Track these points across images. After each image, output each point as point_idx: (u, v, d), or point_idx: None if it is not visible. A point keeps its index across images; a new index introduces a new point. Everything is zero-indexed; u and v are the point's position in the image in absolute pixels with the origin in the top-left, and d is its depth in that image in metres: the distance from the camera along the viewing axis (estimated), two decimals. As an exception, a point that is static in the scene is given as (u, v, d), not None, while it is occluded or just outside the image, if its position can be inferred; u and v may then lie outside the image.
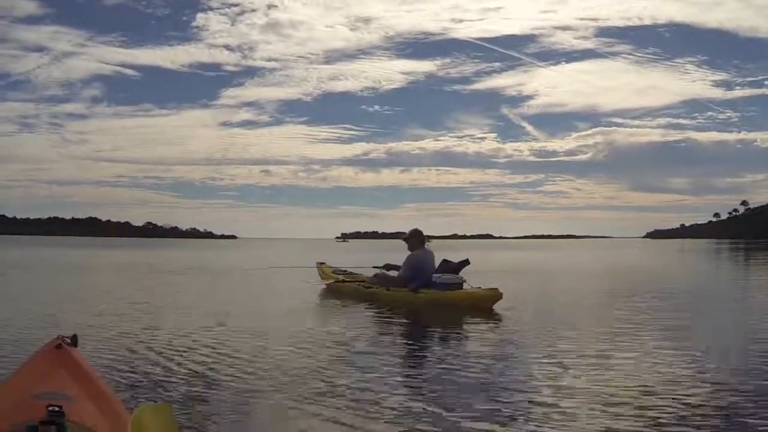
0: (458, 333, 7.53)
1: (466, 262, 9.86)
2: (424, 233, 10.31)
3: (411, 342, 7.01)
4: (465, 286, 9.53)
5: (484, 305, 9.02)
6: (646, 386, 4.50)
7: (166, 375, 4.86)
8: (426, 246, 10.30)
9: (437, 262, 10.04)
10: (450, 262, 9.84)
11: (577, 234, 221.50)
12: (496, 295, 9.10)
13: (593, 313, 9.45)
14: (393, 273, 10.60)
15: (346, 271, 12.88)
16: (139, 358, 5.50)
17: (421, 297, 9.55)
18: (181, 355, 5.62)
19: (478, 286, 9.54)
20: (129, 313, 8.79)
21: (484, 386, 4.58)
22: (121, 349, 5.93)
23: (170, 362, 5.32)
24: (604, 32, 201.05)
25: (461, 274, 9.75)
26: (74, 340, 2.97)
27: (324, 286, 12.40)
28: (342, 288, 11.67)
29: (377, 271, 11.02)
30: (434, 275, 9.59)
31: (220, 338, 6.55)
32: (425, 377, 4.96)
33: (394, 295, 10.01)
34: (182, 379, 4.73)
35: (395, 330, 7.77)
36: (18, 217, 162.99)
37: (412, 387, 4.62)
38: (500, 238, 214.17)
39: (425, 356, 6.06)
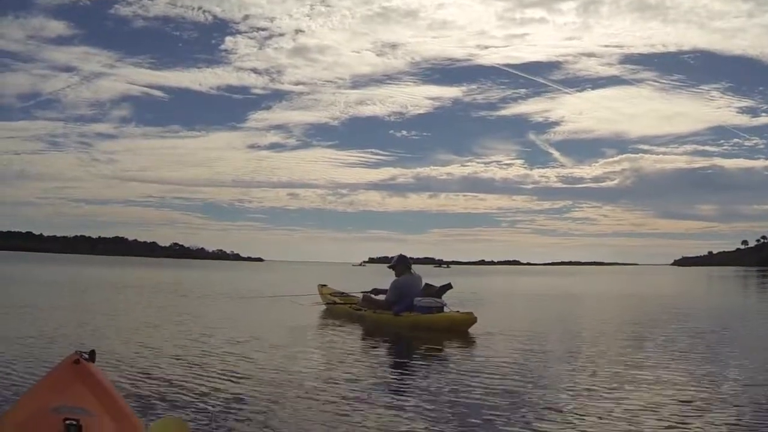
0: (429, 356, 7.71)
1: (448, 286, 10.26)
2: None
3: (383, 364, 7.30)
4: (445, 309, 9.88)
5: (460, 328, 9.38)
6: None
7: (182, 391, 5.11)
8: (412, 271, 10.76)
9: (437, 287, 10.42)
10: (432, 286, 10.24)
11: (605, 261, 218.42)
12: (470, 319, 9.46)
13: (578, 341, 9.31)
14: (380, 297, 11.12)
15: (343, 293, 13.60)
16: (155, 374, 5.79)
17: (402, 320, 9.96)
18: (196, 373, 5.92)
19: (457, 310, 9.92)
20: (147, 330, 9.27)
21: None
22: (138, 365, 6.24)
23: (186, 379, 5.61)
24: (629, 59, 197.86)
25: (444, 297, 10.18)
26: (92, 356, 3.06)
27: (323, 306, 13.24)
28: (336, 309, 12.40)
29: (365, 295, 11.63)
30: (416, 299, 9.98)
31: (233, 357, 6.93)
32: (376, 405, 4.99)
33: (378, 317, 10.51)
34: (198, 395, 4.98)
35: (372, 352, 8.19)
36: (45, 234, 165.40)
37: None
38: (527, 264, 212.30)
39: (386, 382, 6.26)
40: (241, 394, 5.11)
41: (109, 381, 3.08)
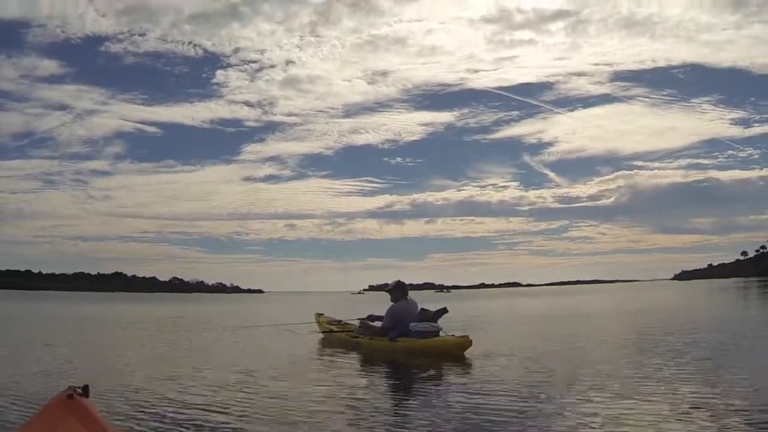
0: (423, 381, 7.78)
1: (443, 311, 10.34)
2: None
3: (378, 391, 7.39)
4: (441, 334, 9.96)
5: (456, 352, 9.43)
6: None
7: (178, 426, 5.15)
8: (408, 297, 10.84)
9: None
10: (428, 311, 10.32)
11: (605, 279, 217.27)
12: (466, 343, 9.50)
13: (576, 360, 9.34)
14: (377, 323, 11.20)
15: (339, 321, 13.70)
16: (151, 409, 5.81)
17: (398, 345, 10.03)
18: (193, 406, 5.96)
19: (453, 334, 9.98)
20: (142, 365, 9.30)
21: None
22: (133, 399, 6.27)
23: (180, 415, 5.60)
24: (619, 76, 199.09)
25: (444, 322, 10.28)
26: (86, 391, 3.07)
27: (321, 335, 13.29)
28: (333, 337, 12.47)
29: (362, 322, 11.72)
30: (411, 324, 10.06)
31: (230, 389, 6.94)
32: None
33: (375, 344, 10.58)
34: (194, 429, 5.02)
35: (367, 379, 8.23)
36: (44, 272, 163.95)
37: None
38: (527, 285, 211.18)
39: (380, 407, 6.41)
40: (239, 427, 5.16)
41: (103, 416, 3.09)
